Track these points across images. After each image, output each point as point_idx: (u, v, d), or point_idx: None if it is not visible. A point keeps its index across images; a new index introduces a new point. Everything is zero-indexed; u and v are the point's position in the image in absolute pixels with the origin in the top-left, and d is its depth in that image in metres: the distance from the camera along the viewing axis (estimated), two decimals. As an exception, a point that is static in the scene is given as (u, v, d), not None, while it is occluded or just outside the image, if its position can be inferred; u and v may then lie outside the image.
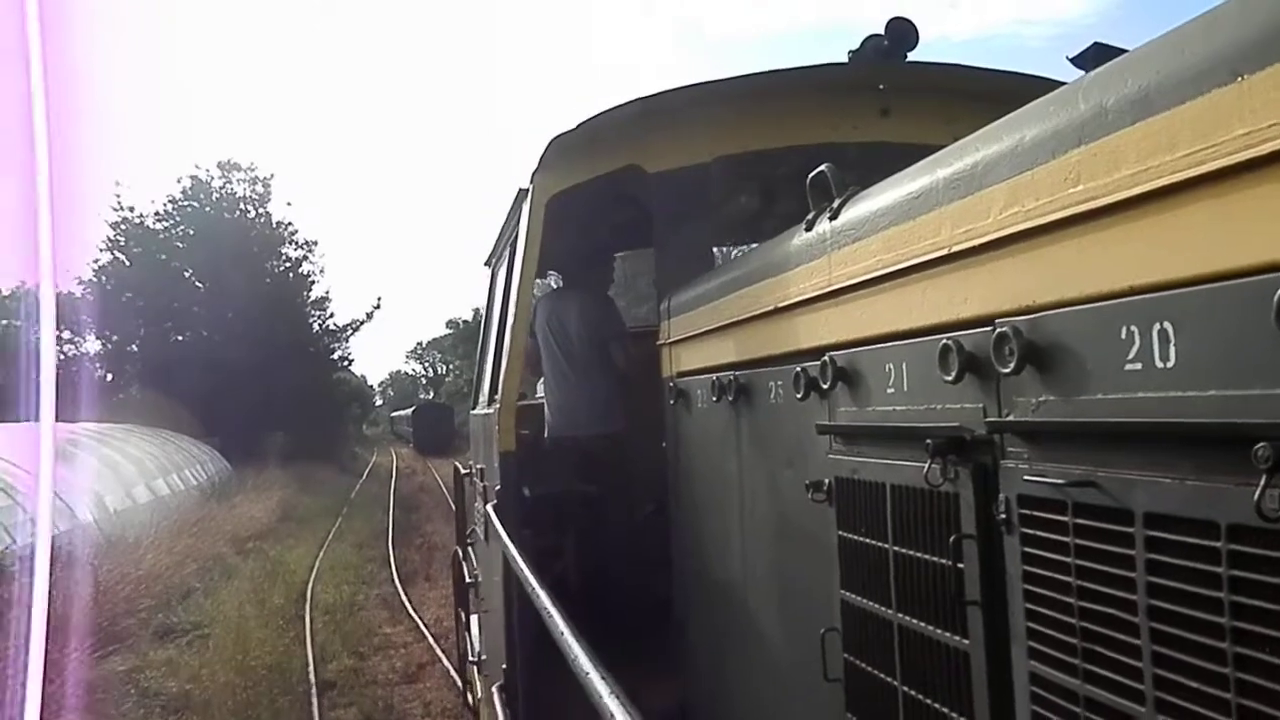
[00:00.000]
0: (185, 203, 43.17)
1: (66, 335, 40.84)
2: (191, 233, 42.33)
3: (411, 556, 19.74)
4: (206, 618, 13.64)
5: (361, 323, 49.25)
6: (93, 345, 41.96)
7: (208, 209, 43.33)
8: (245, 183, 45.04)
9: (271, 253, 45.27)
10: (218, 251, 40.59)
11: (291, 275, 46.21)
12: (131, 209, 41.78)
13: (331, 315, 48.69)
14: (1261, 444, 1.09)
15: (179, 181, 44.65)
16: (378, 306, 54.62)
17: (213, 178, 44.10)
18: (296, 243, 46.74)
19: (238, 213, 44.24)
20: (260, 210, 45.76)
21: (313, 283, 48.09)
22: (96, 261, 41.41)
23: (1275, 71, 1.13)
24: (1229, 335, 1.20)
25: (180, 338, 40.89)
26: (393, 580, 17.44)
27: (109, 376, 39.72)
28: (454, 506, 9.14)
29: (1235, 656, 1.16)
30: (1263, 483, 1.09)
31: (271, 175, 47.10)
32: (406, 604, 15.22)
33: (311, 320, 47.96)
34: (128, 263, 40.54)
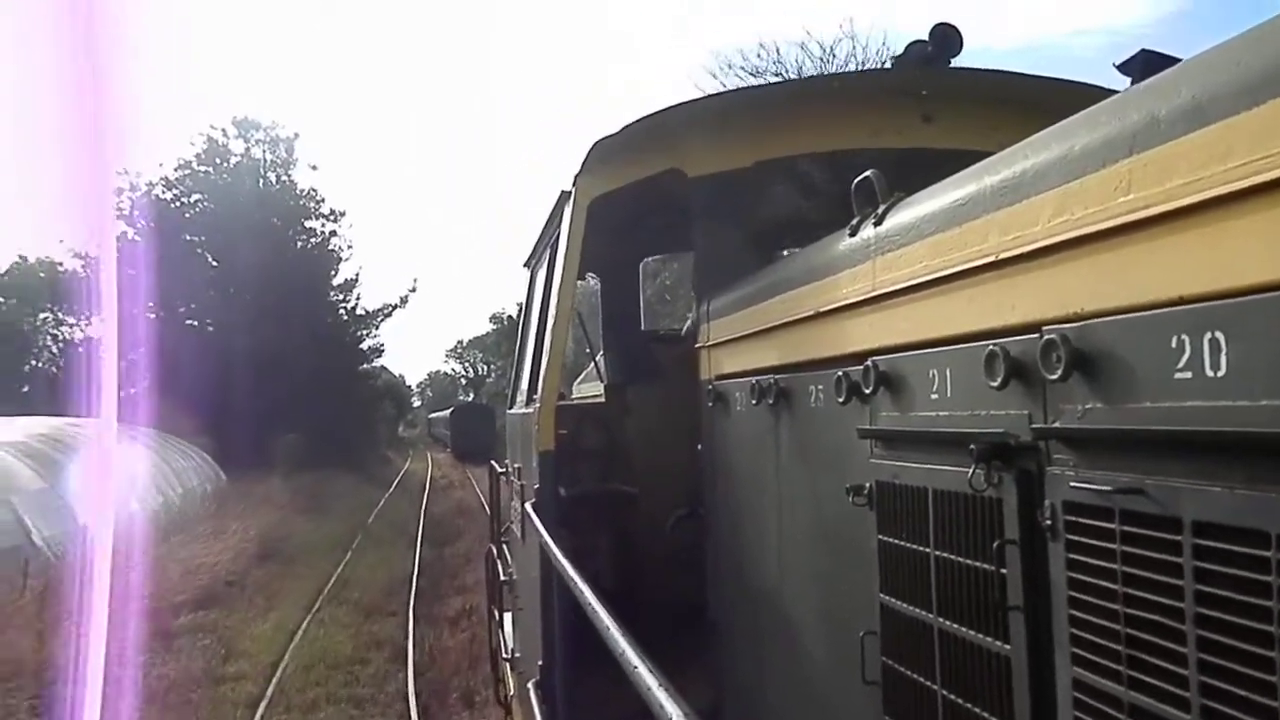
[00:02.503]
0: (199, 169, 37.58)
1: (69, 319, 36.61)
2: (206, 203, 36.78)
3: (444, 639, 12.27)
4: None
5: (395, 307, 43.06)
6: (98, 329, 34.16)
7: (225, 176, 37.64)
8: (264, 144, 39.76)
9: (295, 225, 39.47)
10: (234, 224, 35.13)
11: (317, 252, 40.41)
12: (137, 174, 35.71)
13: (359, 299, 42.50)
14: None
15: (191, 144, 38.35)
16: (414, 290, 48.51)
17: (229, 139, 38.65)
18: (322, 215, 40.86)
19: (259, 180, 38.78)
20: (283, 177, 40.02)
21: (340, 261, 41.74)
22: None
23: None
24: None
25: (193, 323, 35.66)
26: (406, 702, 9.95)
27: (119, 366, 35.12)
28: (489, 506, 8.41)
29: None
30: None
31: (295, 135, 41.02)
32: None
33: (338, 304, 41.79)
34: (134, 236, 34.08)
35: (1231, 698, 1.25)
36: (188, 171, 37.56)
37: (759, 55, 23.77)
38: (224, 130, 38.71)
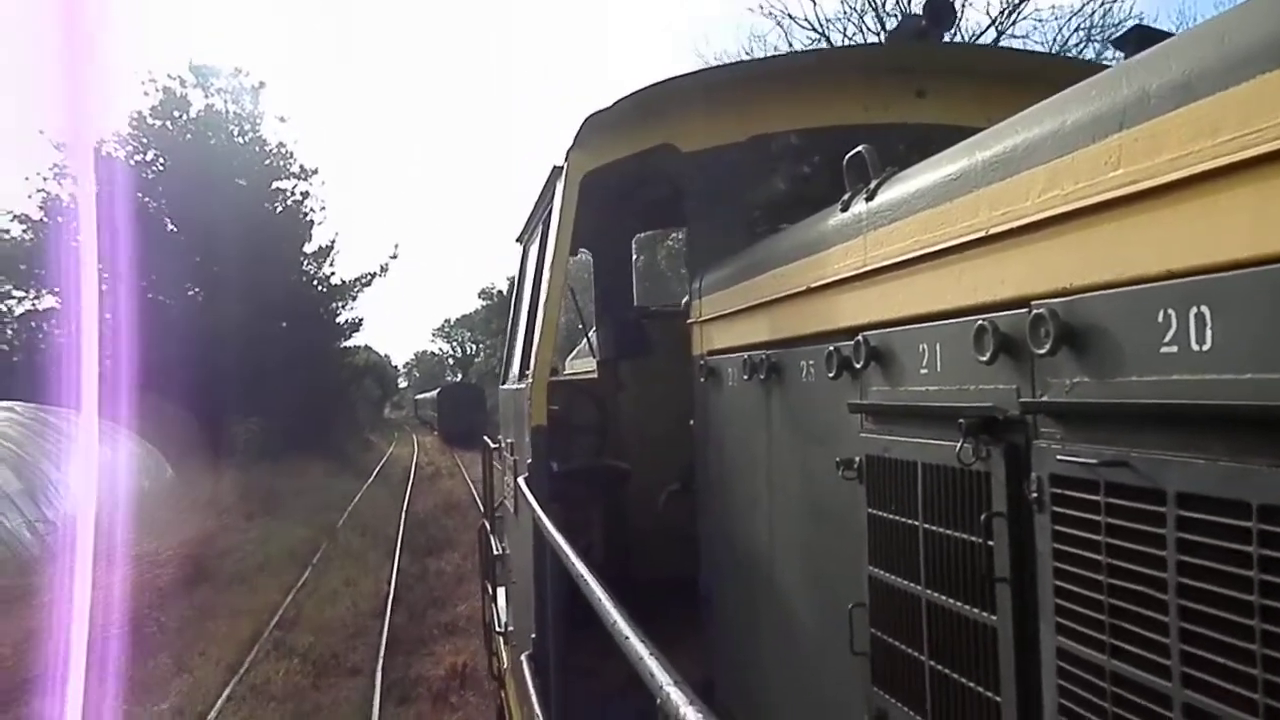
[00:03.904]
0: (154, 122, 32.73)
1: (17, 293, 31.87)
2: (163, 161, 32.13)
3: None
4: None
5: (374, 276, 38.57)
6: (49, 301, 31.19)
7: (186, 133, 32.80)
8: (226, 94, 34.65)
9: (263, 186, 34.61)
10: (194, 185, 30.90)
11: (287, 216, 35.56)
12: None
13: (334, 269, 37.88)
14: None
15: (145, 94, 32.87)
16: (394, 256, 44.08)
17: (186, 88, 33.56)
18: (292, 174, 35.87)
19: (222, 135, 33.90)
20: (248, 131, 34.97)
21: (313, 225, 36.61)
22: (41, 192, 30.34)
23: None
24: (1266, 320, 1.22)
25: (151, 296, 30.73)
26: None
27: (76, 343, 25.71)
28: (482, 486, 7.98)
29: (1264, 634, 1.19)
30: None
31: (261, 84, 35.67)
32: None
33: (312, 275, 37.10)
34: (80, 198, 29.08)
35: (1212, 666, 1.27)
36: (141, 126, 32.67)
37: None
38: (181, 79, 33.60)
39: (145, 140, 32.26)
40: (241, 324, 29.35)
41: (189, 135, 32.82)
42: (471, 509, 20.57)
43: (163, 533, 16.25)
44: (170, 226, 31.95)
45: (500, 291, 69.46)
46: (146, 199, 31.12)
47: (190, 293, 31.57)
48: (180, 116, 33.07)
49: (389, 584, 14.60)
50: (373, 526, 20.79)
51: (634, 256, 7.60)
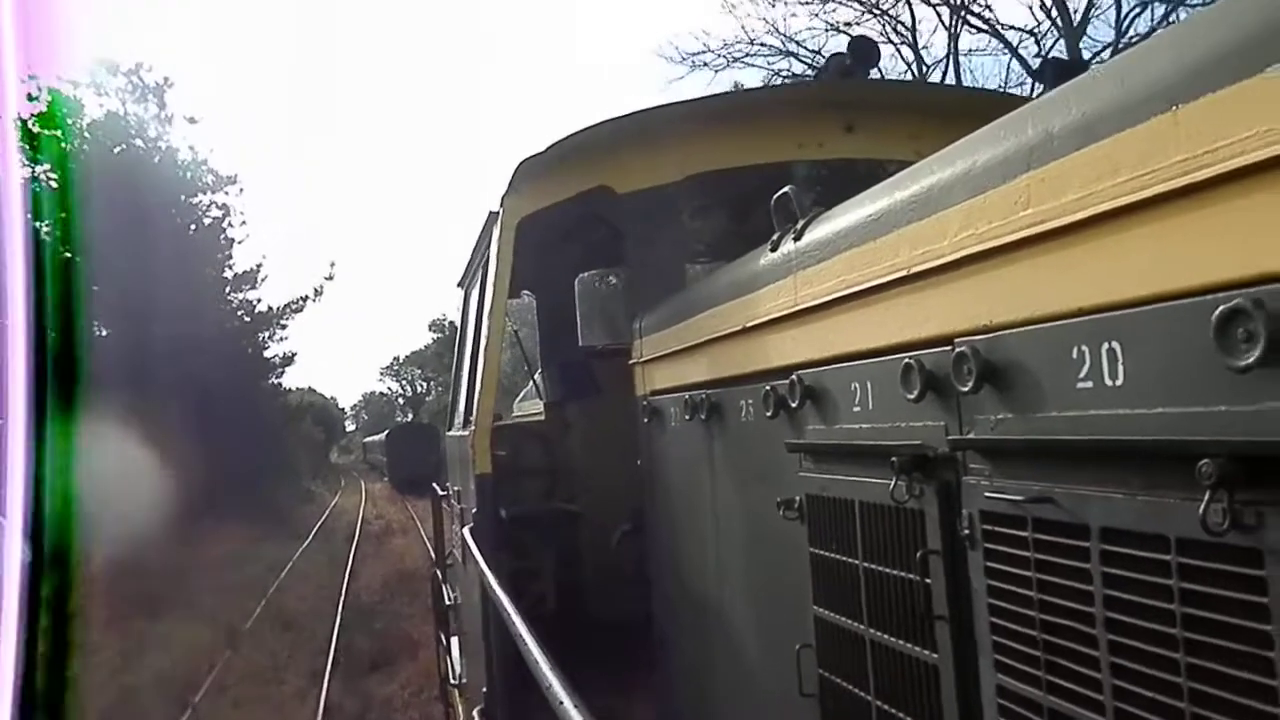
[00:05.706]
0: (42, 132, 26.67)
1: None
2: (50, 176, 26.46)
3: None
4: None
5: (306, 299, 32.97)
6: None
7: (84, 144, 27.64)
8: (125, 94, 29.26)
9: (173, 203, 29.29)
10: (96, 204, 25.85)
11: (202, 236, 30.35)
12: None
13: (260, 297, 32.45)
14: (1204, 461, 1.13)
15: (29, 97, 26.45)
16: (330, 278, 35.45)
17: (77, 87, 27.88)
18: (207, 185, 30.44)
19: (121, 144, 28.66)
20: (155, 138, 29.62)
21: (232, 241, 31.09)
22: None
23: (1208, 102, 1.18)
24: (1172, 354, 1.25)
25: (48, 333, 22.69)
26: None
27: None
28: (434, 538, 7.42)
29: (1187, 666, 1.20)
30: (1206, 498, 1.13)
31: (168, 81, 29.64)
32: None
33: (235, 305, 31.84)
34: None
35: (1140, 699, 1.28)
36: (26, 133, 26.80)
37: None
38: (72, 82, 28.39)
39: (31, 151, 26.34)
40: (152, 363, 24.81)
41: (85, 147, 27.91)
42: (431, 582, 14.08)
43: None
44: (63, 253, 26.07)
45: (452, 323, 65.21)
46: (34, 221, 25.09)
47: (83, 328, 25.72)
48: (72, 124, 27.74)
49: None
50: (298, 619, 15.13)
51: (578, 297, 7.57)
